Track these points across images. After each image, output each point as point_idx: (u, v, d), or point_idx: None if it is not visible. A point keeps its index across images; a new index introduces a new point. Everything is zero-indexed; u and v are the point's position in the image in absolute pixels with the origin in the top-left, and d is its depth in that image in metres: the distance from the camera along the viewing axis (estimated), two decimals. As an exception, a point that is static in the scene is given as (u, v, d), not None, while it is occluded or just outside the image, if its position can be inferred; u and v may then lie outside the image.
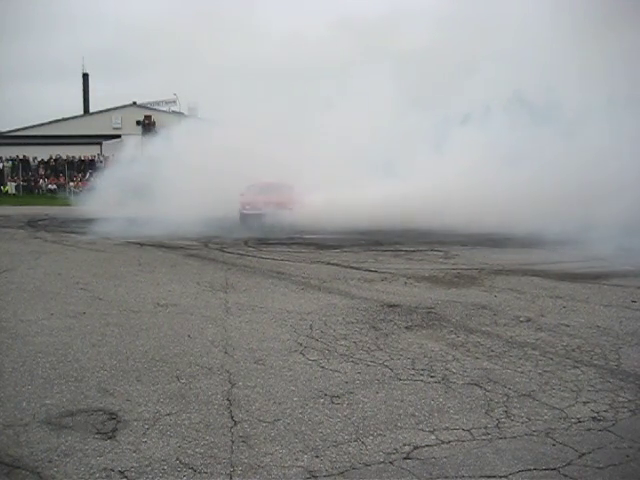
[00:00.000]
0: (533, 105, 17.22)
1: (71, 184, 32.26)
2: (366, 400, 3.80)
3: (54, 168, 35.61)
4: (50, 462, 3.00)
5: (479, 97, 17.36)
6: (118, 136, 39.84)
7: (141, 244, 11.52)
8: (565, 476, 2.91)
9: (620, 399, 3.83)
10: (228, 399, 3.80)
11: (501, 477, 2.91)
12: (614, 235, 10.33)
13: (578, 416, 3.57)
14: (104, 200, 17.43)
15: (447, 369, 4.38)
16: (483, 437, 3.31)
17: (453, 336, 5.23)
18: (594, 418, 3.55)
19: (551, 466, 3.00)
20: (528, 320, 5.77)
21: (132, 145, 21.93)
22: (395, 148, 16.76)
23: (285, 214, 14.64)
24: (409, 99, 16.94)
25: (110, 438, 3.26)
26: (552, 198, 13.07)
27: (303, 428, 3.41)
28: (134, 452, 3.10)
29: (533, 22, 16.81)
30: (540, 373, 4.30)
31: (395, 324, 5.62)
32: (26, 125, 40.24)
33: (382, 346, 4.92)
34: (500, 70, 16.71)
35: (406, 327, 5.52)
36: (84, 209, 17.84)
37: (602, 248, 9.93)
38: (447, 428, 3.42)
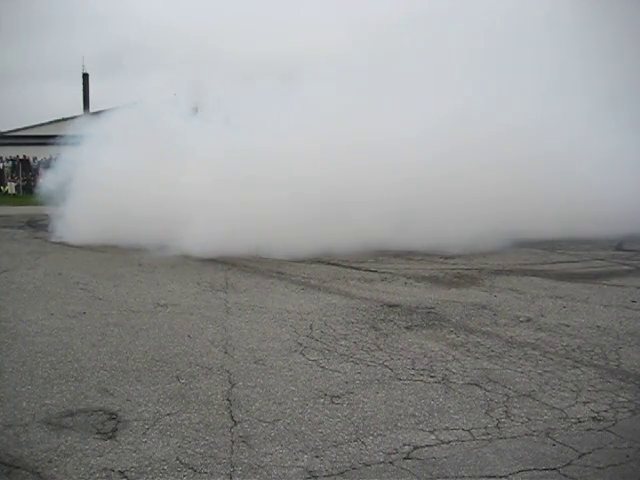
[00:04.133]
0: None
1: (71, 184, 32.15)
2: (366, 400, 3.80)
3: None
4: (50, 462, 3.00)
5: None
6: (118, 136, 39.83)
7: (141, 244, 11.49)
8: (565, 476, 2.91)
9: (620, 399, 3.83)
10: (228, 399, 3.80)
11: (501, 477, 2.91)
12: None
13: (578, 416, 3.58)
14: None
15: (447, 369, 4.38)
16: (483, 437, 3.31)
17: (453, 336, 5.23)
18: (594, 418, 3.55)
19: (551, 466, 3.00)
20: (528, 320, 5.78)
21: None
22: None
23: None
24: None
25: (110, 438, 3.26)
26: None
27: (303, 428, 3.41)
28: (134, 452, 3.11)
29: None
30: (540, 373, 4.30)
31: (395, 324, 5.62)
32: (26, 125, 40.22)
33: (382, 346, 4.92)
34: None
35: (406, 327, 5.52)
36: None
37: None
38: (447, 428, 3.42)
